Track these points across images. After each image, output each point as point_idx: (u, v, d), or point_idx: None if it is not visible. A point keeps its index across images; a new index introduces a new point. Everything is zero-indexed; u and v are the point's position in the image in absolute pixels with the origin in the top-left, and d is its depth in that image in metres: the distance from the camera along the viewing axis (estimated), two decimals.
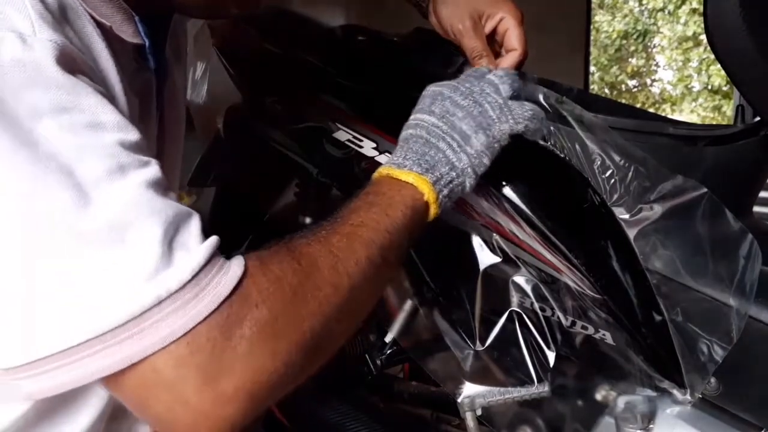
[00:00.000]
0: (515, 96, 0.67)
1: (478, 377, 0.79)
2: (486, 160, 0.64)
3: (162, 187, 0.47)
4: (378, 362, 1.01)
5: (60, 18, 0.48)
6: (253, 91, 1.20)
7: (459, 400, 0.80)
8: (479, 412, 0.80)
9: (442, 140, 0.62)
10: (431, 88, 0.67)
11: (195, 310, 0.43)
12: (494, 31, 0.79)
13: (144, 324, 0.42)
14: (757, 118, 0.84)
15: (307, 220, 1.20)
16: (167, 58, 0.71)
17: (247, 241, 1.42)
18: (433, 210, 0.61)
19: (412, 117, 0.66)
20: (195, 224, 0.47)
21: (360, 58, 1.03)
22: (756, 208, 0.95)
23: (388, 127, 0.89)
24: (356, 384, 1.07)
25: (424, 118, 0.64)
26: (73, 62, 0.47)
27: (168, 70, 0.72)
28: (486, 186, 0.72)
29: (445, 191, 0.61)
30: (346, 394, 1.08)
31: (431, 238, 0.65)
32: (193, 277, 0.44)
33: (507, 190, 0.73)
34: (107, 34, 0.55)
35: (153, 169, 0.48)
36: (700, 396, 0.74)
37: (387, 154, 0.87)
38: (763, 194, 0.97)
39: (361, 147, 0.90)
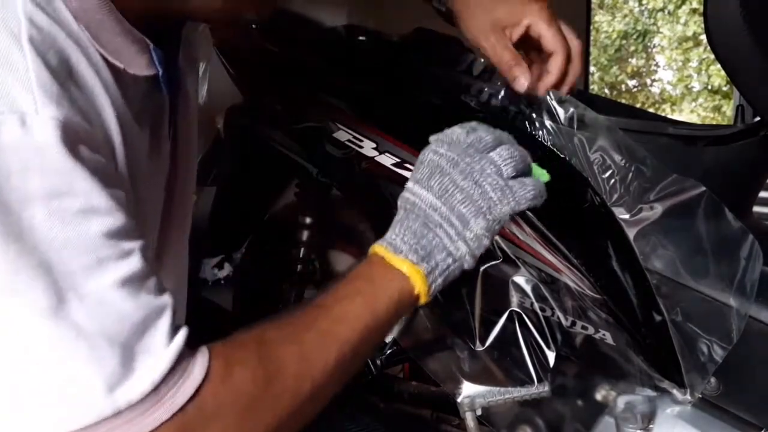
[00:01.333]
0: (519, 174, 0.63)
1: (478, 377, 0.79)
2: (486, 242, 0.61)
3: (138, 280, 0.47)
4: (378, 362, 1.01)
5: (65, 78, 0.47)
6: (253, 91, 1.20)
7: (459, 400, 0.80)
8: (479, 412, 0.80)
9: (440, 227, 0.59)
10: (429, 156, 0.62)
11: (151, 418, 0.44)
12: (527, 37, 0.76)
13: (99, 429, 0.43)
14: (757, 118, 0.84)
15: (307, 220, 1.20)
16: (180, 68, 0.69)
17: (247, 241, 1.43)
18: (423, 300, 0.60)
19: (409, 185, 0.62)
20: (164, 322, 0.47)
21: (360, 58, 1.03)
22: (756, 208, 0.95)
23: (388, 128, 0.89)
24: (356, 384, 1.07)
25: (423, 195, 0.60)
26: (75, 135, 0.46)
27: (181, 81, 0.70)
28: None
29: (439, 280, 0.59)
30: (346, 394, 1.07)
31: None
32: (154, 388, 0.45)
33: None
34: (117, 72, 0.54)
35: (132, 262, 0.47)
36: (700, 396, 0.74)
37: (387, 154, 0.87)
38: (763, 194, 0.97)
39: (361, 147, 0.90)
